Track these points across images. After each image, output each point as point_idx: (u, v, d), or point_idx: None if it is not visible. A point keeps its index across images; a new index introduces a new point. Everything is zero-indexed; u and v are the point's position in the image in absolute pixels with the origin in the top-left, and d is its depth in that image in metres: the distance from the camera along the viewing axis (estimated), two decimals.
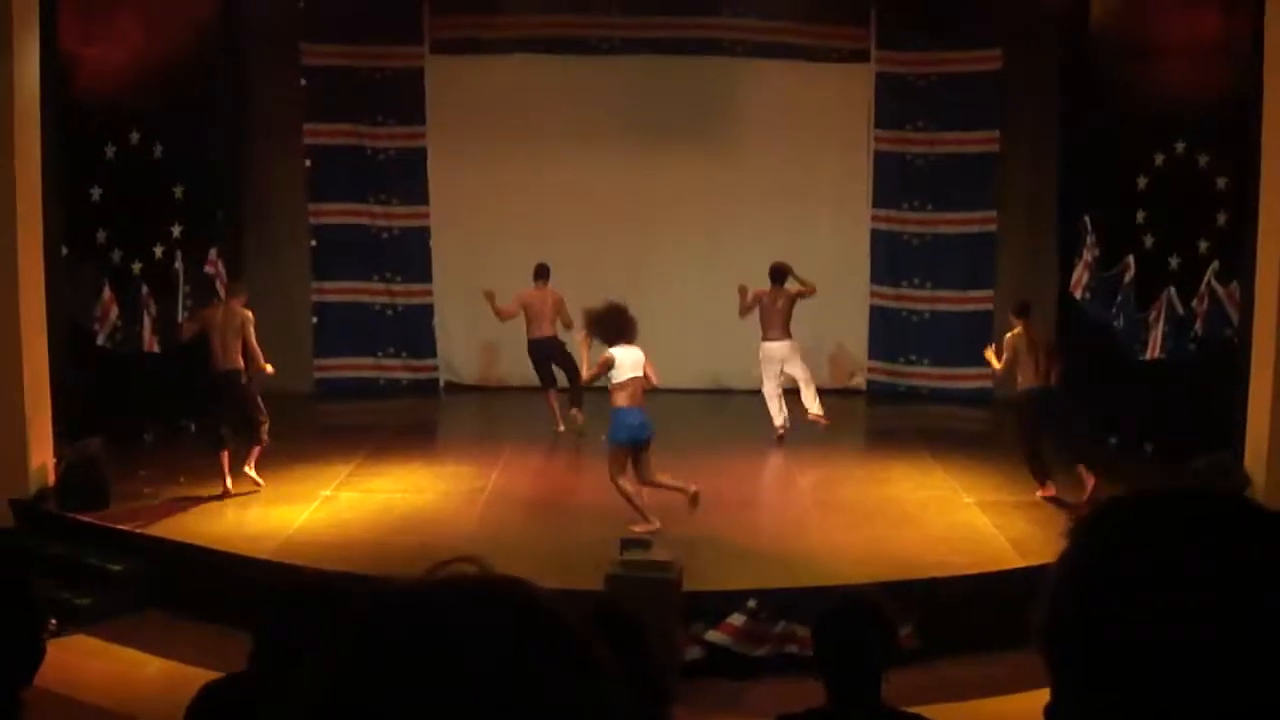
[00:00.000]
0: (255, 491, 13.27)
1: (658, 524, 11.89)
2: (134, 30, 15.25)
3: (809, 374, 15.98)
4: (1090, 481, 12.93)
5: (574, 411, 15.84)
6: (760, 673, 10.06)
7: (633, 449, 12.12)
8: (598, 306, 12.69)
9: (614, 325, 12.38)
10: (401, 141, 18.44)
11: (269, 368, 13.62)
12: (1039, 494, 13.22)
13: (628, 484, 12.12)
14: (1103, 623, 1.32)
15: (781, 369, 15.84)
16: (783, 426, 15.69)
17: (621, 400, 12.17)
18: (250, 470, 13.31)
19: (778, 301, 15.81)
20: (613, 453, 12.17)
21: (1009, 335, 13.64)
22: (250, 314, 13.53)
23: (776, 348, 15.79)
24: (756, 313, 15.86)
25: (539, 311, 16.13)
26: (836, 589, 8.74)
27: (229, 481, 13.21)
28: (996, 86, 17.78)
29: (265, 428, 13.39)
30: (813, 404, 15.79)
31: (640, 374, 12.19)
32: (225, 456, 13.24)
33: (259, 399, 13.49)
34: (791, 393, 15.87)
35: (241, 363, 13.37)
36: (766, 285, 15.86)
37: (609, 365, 12.23)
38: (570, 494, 13.51)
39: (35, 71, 12.95)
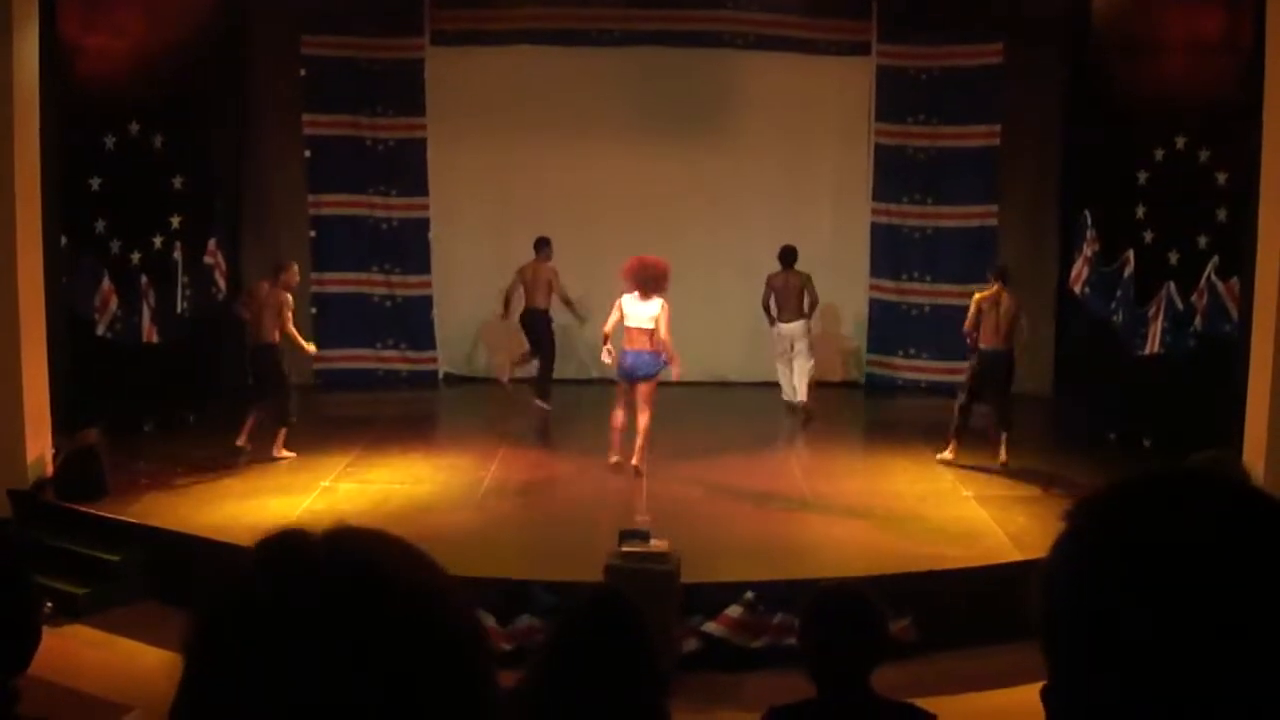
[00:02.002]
0: (289, 459, 14.16)
1: (615, 459, 13.35)
2: (134, 20, 15.23)
3: (811, 364, 16.29)
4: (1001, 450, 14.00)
5: (536, 403, 16.51)
6: (758, 665, 10.06)
7: (623, 383, 13.52)
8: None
9: (630, 275, 13.44)
10: (401, 133, 18.42)
11: (311, 348, 14.77)
12: (941, 455, 14.38)
13: (615, 414, 13.54)
14: (1099, 604, 1.32)
15: (792, 348, 16.32)
16: (792, 403, 16.44)
17: (621, 342, 13.47)
18: (280, 452, 14.13)
19: (790, 283, 16.24)
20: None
21: (977, 294, 14.32)
22: (290, 298, 14.31)
23: (788, 329, 16.23)
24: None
25: (530, 283, 16.64)
26: (831, 582, 8.76)
27: (245, 437, 14.07)
28: (997, 80, 17.74)
29: (290, 404, 14.18)
30: (800, 389, 16.28)
31: (637, 325, 13.31)
32: (253, 419, 14.13)
33: (286, 377, 14.25)
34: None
35: (276, 338, 14.12)
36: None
37: (618, 309, 13.49)
38: (569, 485, 13.51)
39: (35, 61, 12.93)
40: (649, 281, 13.35)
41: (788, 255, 16.38)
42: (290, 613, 1.26)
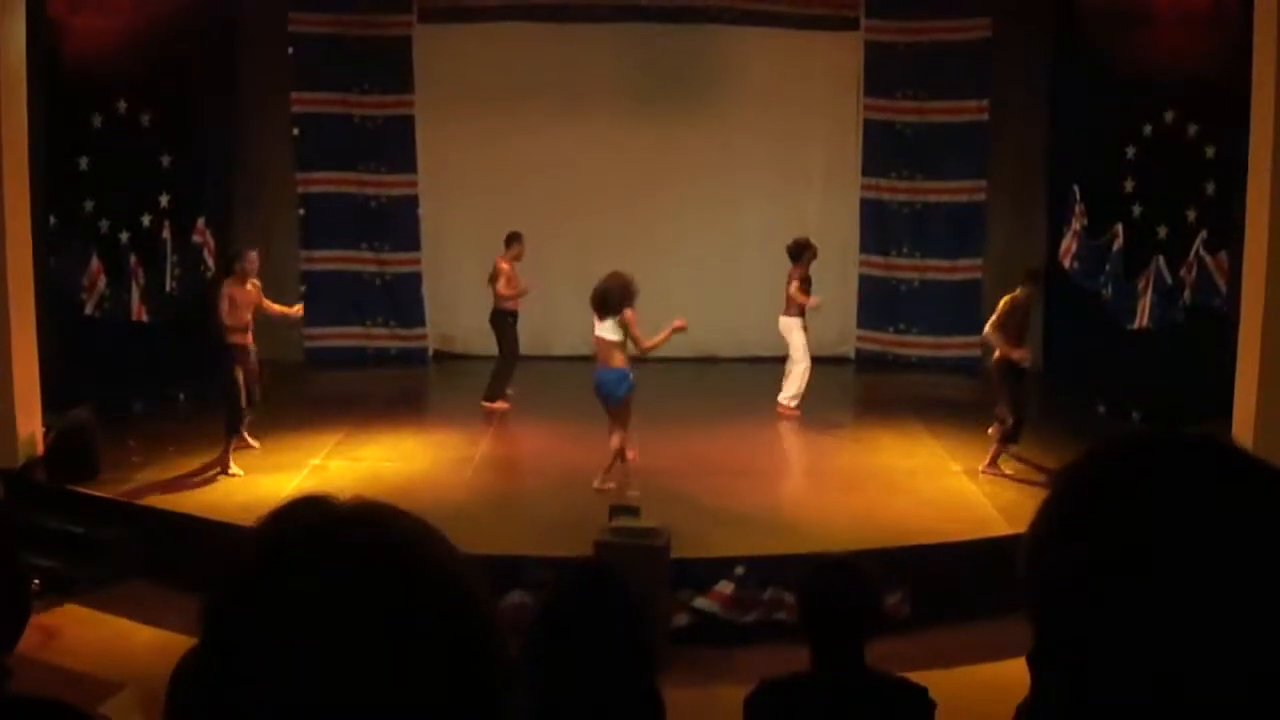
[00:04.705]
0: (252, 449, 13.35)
1: (610, 486, 12.17)
2: None
3: (804, 363, 15.42)
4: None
5: (483, 405, 15.67)
6: (748, 640, 10.08)
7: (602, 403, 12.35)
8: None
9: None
10: (389, 110, 18.38)
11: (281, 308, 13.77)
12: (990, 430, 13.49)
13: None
14: (1083, 567, 1.32)
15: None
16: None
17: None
18: (232, 469, 12.92)
19: (791, 277, 15.42)
20: None
21: (1008, 295, 13.47)
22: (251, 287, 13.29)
23: (781, 322, 15.53)
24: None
25: (493, 279, 15.71)
26: (828, 555, 8.77)
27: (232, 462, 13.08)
28: (986, 55, 17.74)
29: (240, 416, 13.09)
30: (787, 390, 15.46)
31: (599, 334, 12.14)
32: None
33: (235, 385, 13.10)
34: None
35: (235, 339, 13.09)
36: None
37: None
38: (559, 461, 13.50)
39: (22, 40, 12.89)
40: (602, 306, 12.07)
41: (790, 251, 15.48)
42: (315, 573, 1.27)
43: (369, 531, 1.32)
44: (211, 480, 12.75)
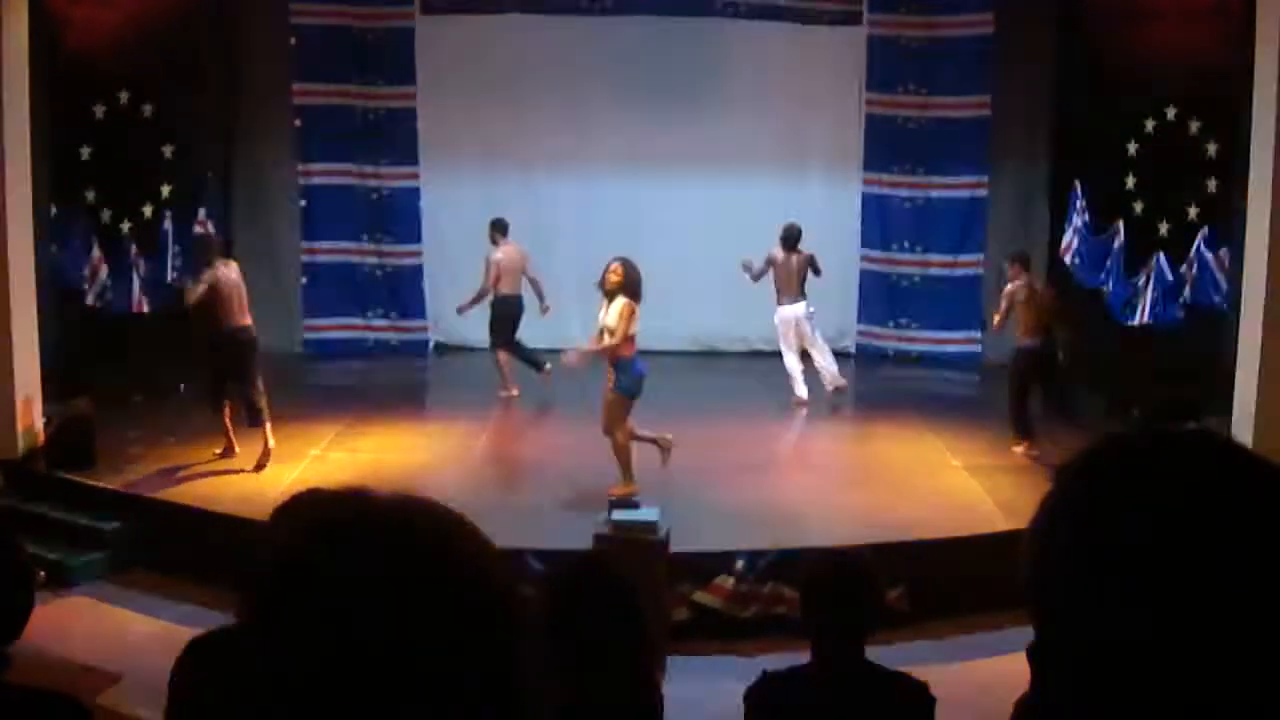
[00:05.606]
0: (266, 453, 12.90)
1: (637, 488, 11.84)
2: None
3: (822, 341, 15.63)
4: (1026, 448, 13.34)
5: (545, 371, 15.59)
6: (748, 634, 10.08)
7: (633, 400, 11.97)
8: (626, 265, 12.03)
9: (636, 281, 11.86)
10: (391, 101, 18.37)
11: None
12: (1014, 449, 13.42)
13: (624, 437, 11.94)
14: (1084, 562, 1.32)
15: (795, 333, 15.52)
16: (800, 400, 15.50)
17: (632, 350, 11.81)
18: (270, 440, 12.89)
19: (790, 263, 15.41)
20: (620, 403, 11.91)
21: (1008, 286, 13.64)
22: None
23: (789, 310, 15.49)
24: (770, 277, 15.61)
25: (512, 268, 15.65)
26: (824, 550, 8.77)
27: (234, 439, 13.02)
28: (988, 50, 17.73)
29: (262, 401, 12.90)
30: (829, 370, 15.57)
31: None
32: (228, 413, 13.04)
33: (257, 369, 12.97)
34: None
35: (250, 321, 12.94)
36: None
37: (634, 318, 11.75)
38: (559, 454, 13.50)
39: (24, 30, 12.91)
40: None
41: (791, 236, 15.48)
42: (353, 568, 1.26)
43: (409, 526, 1.31)
44: (212, 471, 12.74)
